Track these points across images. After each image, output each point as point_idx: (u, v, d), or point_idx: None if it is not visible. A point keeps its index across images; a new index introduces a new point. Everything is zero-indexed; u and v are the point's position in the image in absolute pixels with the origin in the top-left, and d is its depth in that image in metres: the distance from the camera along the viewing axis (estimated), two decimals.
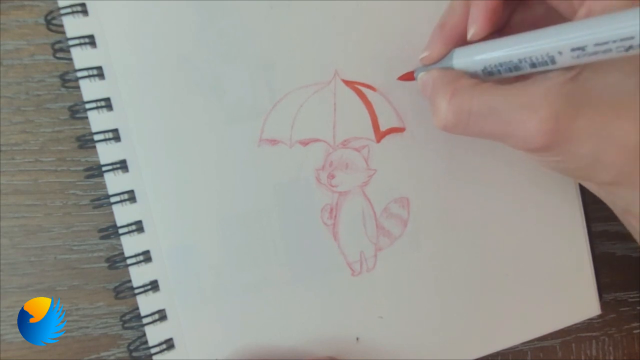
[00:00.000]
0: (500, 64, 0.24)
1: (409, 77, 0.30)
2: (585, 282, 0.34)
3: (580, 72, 0.23)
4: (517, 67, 0.24)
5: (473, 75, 0.26)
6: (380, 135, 0.31)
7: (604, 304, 0.34)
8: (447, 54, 0.27)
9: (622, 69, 0.23)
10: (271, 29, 0.30)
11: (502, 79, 0.25)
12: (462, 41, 0.27)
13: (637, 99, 0.23)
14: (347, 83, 0.30)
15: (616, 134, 0.23)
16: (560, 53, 0.22)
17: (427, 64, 0.28)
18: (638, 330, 0.38)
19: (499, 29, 0.27)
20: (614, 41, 0.20)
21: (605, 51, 0.21)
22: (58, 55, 0.29)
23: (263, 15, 0.29)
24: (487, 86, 0.25)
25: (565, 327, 0.34)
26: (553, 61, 0.23)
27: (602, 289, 0.34)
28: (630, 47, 0.20)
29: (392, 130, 0.31)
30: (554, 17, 0.26)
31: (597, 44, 0.21)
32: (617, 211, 0.28)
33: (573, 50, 0.21)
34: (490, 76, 0.25)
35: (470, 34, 0.26)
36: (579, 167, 0.25)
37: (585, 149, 0.24)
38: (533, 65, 0.23)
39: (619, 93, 0.23)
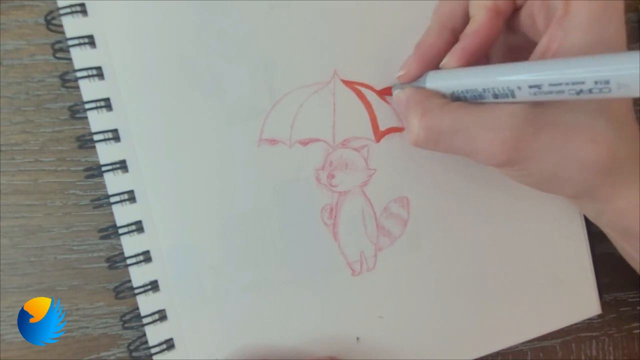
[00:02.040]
0: (467, 91, 0.26)
1: (387, 92, 0.31)
2: (585, 282, 0.34)
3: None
4: (481, 96, 0.25)
5: (443, 95, 0.27)
6: (379, 135, 0.31)
7: (604, 304, 0.34)
8: (421, 74, 0.29)
9: None
10: (271, 29, 0.30)
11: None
12: (436, 62, 0.28)
13: (595, 121, 0.25)
14: (347, 83, 0.30)
15: (575, 151, 0.25)
16: (519, 88, 0.23)
17: (403, 82, 0.29)
18: (638, 330, 0.38)
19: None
20: (567, 84, 0.22)
21: (558, 92, 0.22)
22: (58, 55, 0.29)
23: (263, 15, 0.29)
24: (455, 106, 0.26)
25: (565, 327, 0.34)
26: (513, 95, 0.24)
27: (602, 289, 0.34)
28: (581, 91, 0.21)
29: (391, 130, 0.31)
30: (529, 44, 0.28)
31: (551, 84, 0.22)
32: (590, 218, 0.30)
33: (530, 87, 0.23)
34: (458, 100, 0.27)
35: (444, 62, 0.28)
36: (541, 182, 0.27)
37: (545, 165, 0.25)
38: (495, 96, 0.25)
39: (579, 115, 0.25)
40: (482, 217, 0.32)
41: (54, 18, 0.28)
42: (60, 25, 0.28)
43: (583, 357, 0.37)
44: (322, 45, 0.30)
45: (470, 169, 0.32)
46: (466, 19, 0.28)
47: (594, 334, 0.37)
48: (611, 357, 0.38)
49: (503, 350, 0.33)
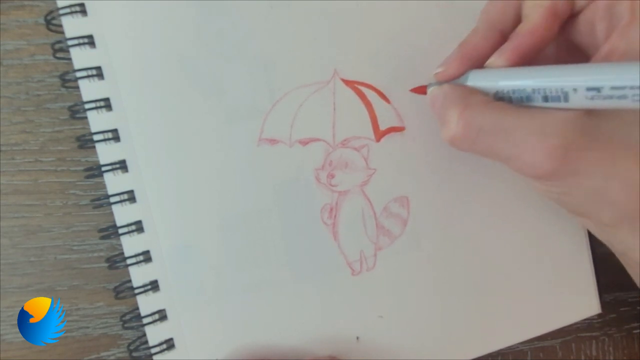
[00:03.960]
0: (514, 91, 0.24)
1: (421, 90, 0.29)
2: (586, 281, 0.34)
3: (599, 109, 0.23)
4: (529, 98, 0.24)
5: (486, 94, 0.26)
6: (379, 134, 0.31)
7: (604, 303, 0.34)
8: (462, 73, 0.27)
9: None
10: (271, 29, 0.30)
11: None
12: (479, 63, 0.27)
13: None
14: (347, 82, 0.30)
15: (624, 172, 0.23)
16: (575, 90, 0.22)
17: (441, 80, 0.27)
18: (638, 330, 0.38)
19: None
20: (632, 87, 0.20)
21: (620, 97, 0.21)
22: (58, 55, 0.29)
23: (263, 14, 0.30)
24: (500, 105, 0.24)
25: (565, 327, 0.34)
26: (566, 98, 0.22)
27: (602, 289, 0.34)
28: None
29: (391, 130, 0.31)
30: (576, 55, 0.26)
31: (613, 87, 0.21)
32: (616, 253, 0.28)
33: (588, 89, 0.21)
34: (500, 100, 0.25)
35: (490, 61, 0.26)
36: (582, 202, 0.25)
37: (591, 183, 0.23)
38: (546, 98, 0.23)
39: (632, 135, 0.23)
40: (483, 216, 0.32)
41: (54, 18, 0.28)
42: (60, 25, 0.28)
43: (583, 357, 0.37)
44: (322, 44, 0.30)
45: (471, 169, 0.32)
46: (517, 21, 0.26)
47: (594, 334, 0.37)
48: (611, 357, 0.38)
49: (503, 350, 0.33)
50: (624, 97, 0.20)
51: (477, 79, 0.26)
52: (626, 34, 0.23)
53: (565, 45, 0.28)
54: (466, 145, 0.25)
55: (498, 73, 0.25)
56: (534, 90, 0.23)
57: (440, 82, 0.28)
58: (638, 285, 0.28)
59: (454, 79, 0.27)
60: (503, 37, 0.26)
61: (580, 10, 0.26)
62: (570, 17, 0.26)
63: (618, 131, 0.23)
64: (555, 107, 0.23)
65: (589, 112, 0.23)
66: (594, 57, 0.24)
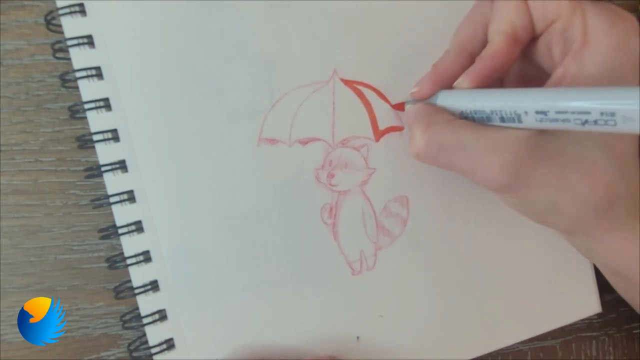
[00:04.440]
0: (475, 112, 0.26)
1: (400, 107, 0.31)
2: (586, 281, 0.34)
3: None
4: (488, 118, 0.26)
5: (452, 113, 0.27)
6: (379, 134, 0.31)
7: (604, 304, 0.34)
8: (434, 93, 0.29)
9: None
10: (271, 29, 0.30)
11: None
12: (450, 82, 0.28)
13: (598, 157, 0.25)
14: (346, 82, 0.30)
15: (572, 185, 0.25)
16: (526, 113, 0.23)
17: (416, 98, 0.29)
18: (638, 330, 0.38)
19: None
20: (572, 112, 0.21)
21: (564, 120, 0.22)
22: (58, 55, 0.29)
23: (262, 14, 0.30)
24: (460, 123, 0.26)
25: (566, 327, 0.34)
26: (519, 120, 0.24)
27: (602, 289, 0.34)
28: (587, 122, 0.21)
29: (390, 129, 0.31)
30: (539, 73, 0.28)
31: (557, 112, 0.22)
32: (583, 255, 0.30)
33: (537, 113, 0.23)
34: (466, 119, 0.27)
35: (457, 82, 0.27)
36: (536, 212, 0.27)
37: (542, 196, 0.25)
38: (502, 119, 0.25)
39: (583, 149, 0.25)
40: (483, 215, 0.32)
41: (53, 18, 0.28)
42: (60, 25, 0.28)
43: (583, 357, 0.37)
44: (322, 44, 0.30)
45: None
46: (485, 43, 0.28)
47: (594, 334, 0.37)
48: (611, 357, 0.38)
49: (503, 350, 0.33)
50: (567, 120, 0.22)
51: (445, 99, 0.28)
52: (578, 57, 0.25)
53: (529, 64, 0.29)
54: (429, 159, 0.27)
55: (462, 95, 0.27)
56: (492, 112, 0.25)
57: (415, 101, 0.29)
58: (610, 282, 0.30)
59: (426, 98, 0.29)
60: (472, 59, 0.28)
61: (540, 34, 0.28)
62: (532, 40, 0.28)
63: (567, 147, 0.25)
64: (510, 126, 0.25)
65: (541, 131, 0.25)
66: (548, 80, 0.26)
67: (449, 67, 0.28)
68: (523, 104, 0.23)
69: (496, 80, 0.28)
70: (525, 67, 0.30)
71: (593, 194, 0.25)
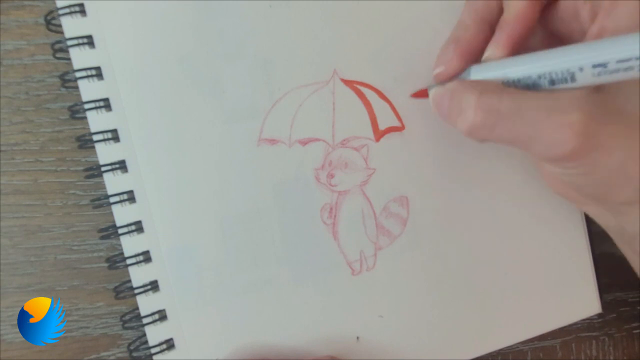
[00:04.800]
0: (519, 80, 0.24)
1: (422, 94, 0.29)
2: (586, 281, 0.34)
3: (605, 86, 0.23)
4: (535, 84, 0.24)
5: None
6: (379, 134, 0.31)
7: (604, 304, 0.34)
8: (463, 70, 0.27)
9: None
10: (270, 28, 0.30)
11: None
12: (476, 57, 0.27)
13: None
14: (346, 82, 0.30)
15: None
16: (581, 69, 0.22)
17: (442, 79, 0.27)
18: (638, 330, 0.38)
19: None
20: (637, 58, 0.20)
21: (627, 69, 0.21)
22: (58, 55, 0.29)
23: (262, 14, 0.30)
24: (514, 89, 0.24)
25: (565, 327, 0.34)
26: (573, 78, 0.22)
27: (602, 289, 0.34)
28: None
29: (390, 130, 0.31)
30: (557, 45, 0.26)
31: (619, 61, 0.21)
32: (625, 239, 0.28)
33: (594, 66, 0.22)
34: None
35: (488, 54, 0.26)
36: (601, 181, 0.24)
37: (613, 159, 0.23)
38: (552, 82, 0.23)
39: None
40: (483, 215, 0.32)
41: (53, 18, 0.28)
42: (60, 25, 0.28)
43: (583, 357, 0.37)
44: (322, 44, 0.30)
45: (471, 169, 0.32)
46: (500, 13, 0.27)
47: (594, 334, 0.37)
48: (611, 357, 0.38)
49: (503, 350, 0.33)
50: (630, 68, 0.21)
51: (480, 73, 0.26)
52: (612, 12, 0.23)
53: (545, 36, 0.28)
54: (485, 132, 0.25)
55: (501, 64, 0.25)
56: (539, 76, 0.23)
57: (441, 83, 0.27)
58: (638, 274, 0.28)
59: (454, 77, 0.27)
60: (492, 30, 0.27)
61: None
62: (548, 7, 0.27)
63: (630, 107, 0.23)
64: (562, 88, 0.23)
65: (599, 90, 0.23)
66: (586, 38, 0.25)
67: (472, 40, 0.27)
68: (578, 59, 0.22)
69: (523, 47, 0.27)
70: (541, 38, 0.29)
71: None
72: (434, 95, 0.27)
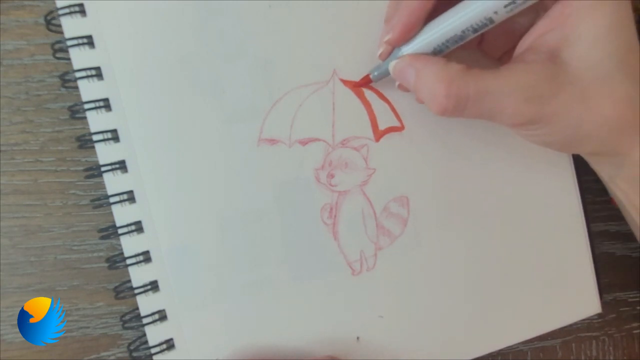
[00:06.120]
0: (447, 40, 0.27)
1: (366, 80, 0.30)
2: (586, 281, 0.34)
3: (559, 54, 0.26)
4: (461, 38, 0.27)
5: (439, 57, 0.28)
6: (379, 134, 0.31)
7: (604, 304, 0.34)
8: (412, 35, 0.28)
9: (604, 49, 0.26)
10: (270, 29, 0.30)
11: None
12: (420, 21, 0.27)
13: (613, 77, 0.26)
14: (346, 82, 0.30)
15: (595, 107, 0.26)
16: (496, 13, 0.25)
17: (393, 43, 0.28)
18: (638, 330, 0.38)
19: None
20: None
21: None
22: (58, 55, 0.29)
23: (262, 14, 0.30)
24: (476, 72, 0.27)
25: (565, 327, 0.34)
26: (492, 21, 0.26)
27: (602, 289, 0.34)
28: None
29: (390, 130, 0.31)
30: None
31: None
32: (604, 180, 0.31)
33: (506, 6, 0.25)
34: (440, 53, 0.28)
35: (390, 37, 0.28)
36: (564, 140, 0.28)
37: (567, 122, 0.26)
38: (475, 30, 0.26)
39: (597, 72, 0.26)
40: (483, 215, 0.32)
41: (53, 18, 0.28)
42: (60, 25, 0.28)
43: (583, 357, 0.37)
44: (322, 44, 0.30)
45: (471, 168, 0.32)
46: None
47: (594, 334, 0.37)
48: (611, 357, 0.38)
49: (503, 350, 0.33)
50: None
51: (412, 47, 0.28)
52: None
53: None
54: (456, 113, 0.27)
55: (428, 31, 0.27)
56: (463, 31, 0.26)
57: (383, 62, 0.29)
58: (623, 214, 0.32)
59: (403, 43, 0.28)
60: None
61: None
62: None
63: (583, 73, 0.26)
64: (521, 63, 0.27)
65: (552, 60, 0.26)
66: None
67: (413, 5, 0.28)
68: (492, 5, 0.25)
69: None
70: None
71: (615, 113, 0.26)
72: (397, 68, 0.29)
